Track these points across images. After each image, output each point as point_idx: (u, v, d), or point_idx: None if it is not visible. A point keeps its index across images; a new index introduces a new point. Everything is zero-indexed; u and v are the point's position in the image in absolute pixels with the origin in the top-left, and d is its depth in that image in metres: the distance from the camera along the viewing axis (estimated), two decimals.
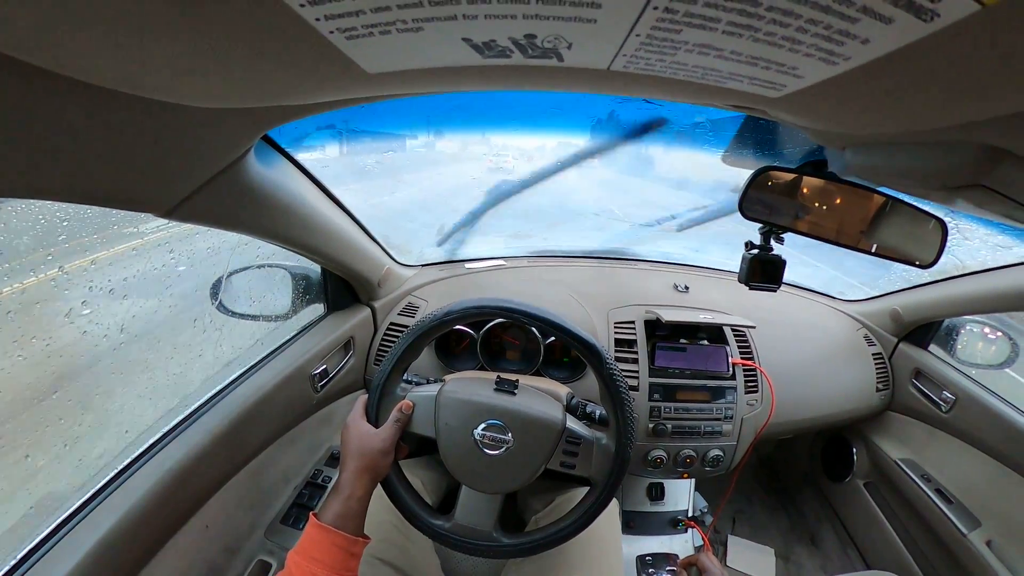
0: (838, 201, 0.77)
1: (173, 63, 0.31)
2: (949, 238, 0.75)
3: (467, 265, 1.56)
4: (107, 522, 0.65)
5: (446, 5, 0.24)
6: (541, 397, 0.85)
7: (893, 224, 0.76)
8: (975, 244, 1.26)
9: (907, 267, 0.79)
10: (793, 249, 0.88)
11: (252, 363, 1.00)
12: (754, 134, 0.85)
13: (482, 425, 0.78)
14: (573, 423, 0.82)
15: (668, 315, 1.22)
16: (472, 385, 0.84)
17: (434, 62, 0.32)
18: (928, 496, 1.26)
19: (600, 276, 1.51)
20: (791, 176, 0.77)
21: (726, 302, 1.42)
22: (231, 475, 0.88)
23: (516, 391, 0.83)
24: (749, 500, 1.86)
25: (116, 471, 0.73)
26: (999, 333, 1.28)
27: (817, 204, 0.79)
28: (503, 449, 0.78)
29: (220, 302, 1.04)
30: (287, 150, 0.77)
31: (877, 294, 1.57)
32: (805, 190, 0.78)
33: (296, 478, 1.08)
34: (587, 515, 0.81)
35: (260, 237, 0.80)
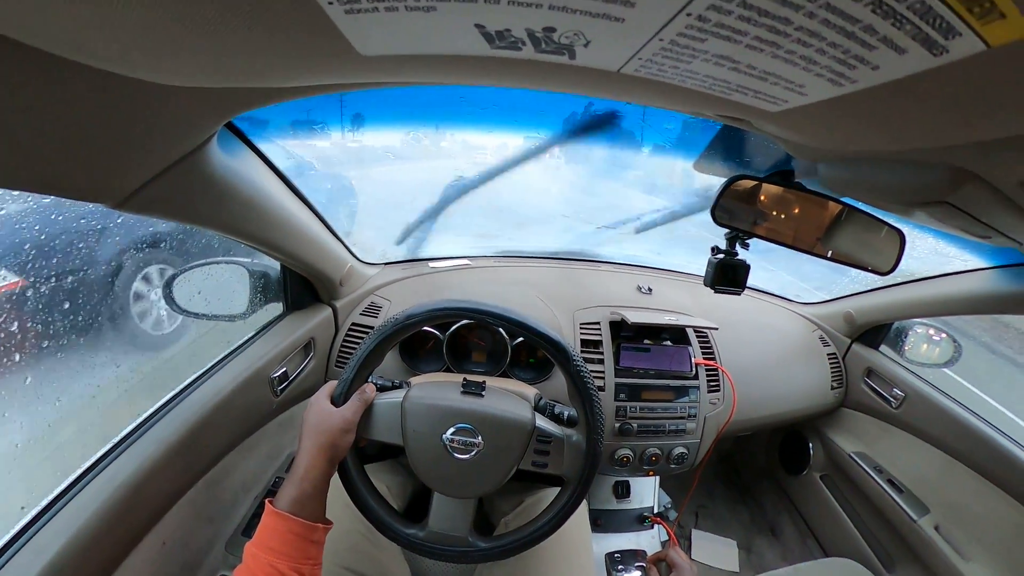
0: (805, 209, 0.79)
1: (134, 27, 0.26)
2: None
3: (431, 264, 1.52)
4: (53, 546, 0.59)
5: None
6: (509, 398, 0.83)
7: (856, 232, 0.79)
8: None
9: (859, 272, 0.82)
10: (753, 255, 0.90)
11: (208, 366, 0.95)
12: (727, 143, 0.87)
13: (451, 429, 0.76)
14: (543, 422, 0.81)
15: (633, 316, 1.23)
16: (438, 389, 0.82)
17: (436, 48, 0.29)
18: (880, 486, 1.33)
19: (565, 277, 1.51)
20: (760, 184, 0.78)
21: (688, 304, 1.45)
22: (188, 487, 0.83)
23: (484, 393, 0.81)
24: (711, 495, 1.91)
25: (61, 488, 0.67)
26: (943, 335, 1.36)
27: (784, 212, 0.81)
28: (474, 452, 0.76)
29: (172, 299, 0.98)
30: (251, 139, 0.73)
31: (831, 297, 1.64)
32: (773, 198, 0.80)
33: (256, 487, 1.03)
34: (562, 513, 0.80)
35: (219, 231, 0.75)
